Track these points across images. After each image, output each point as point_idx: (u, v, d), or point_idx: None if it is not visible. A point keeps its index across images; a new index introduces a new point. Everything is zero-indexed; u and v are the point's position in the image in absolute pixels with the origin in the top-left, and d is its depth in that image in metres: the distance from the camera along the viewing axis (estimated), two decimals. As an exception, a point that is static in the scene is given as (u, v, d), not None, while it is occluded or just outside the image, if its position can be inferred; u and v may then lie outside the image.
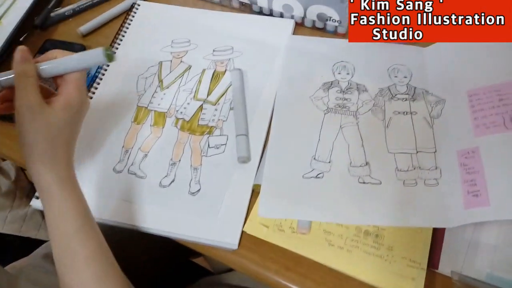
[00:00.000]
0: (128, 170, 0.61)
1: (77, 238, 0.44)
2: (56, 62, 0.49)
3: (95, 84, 0.70)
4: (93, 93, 0.69)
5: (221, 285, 0.76)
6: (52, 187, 0.44)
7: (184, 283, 0.80)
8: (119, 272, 0.47)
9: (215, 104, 0.66)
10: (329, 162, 0.58)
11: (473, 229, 0.51)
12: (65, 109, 0.47)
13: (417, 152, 0.57)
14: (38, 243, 0.82)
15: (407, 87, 0.63)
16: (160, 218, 0.57)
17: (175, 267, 0.88)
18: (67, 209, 0.45)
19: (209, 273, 0.90)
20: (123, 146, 0.63)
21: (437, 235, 0.52)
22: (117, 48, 0.74)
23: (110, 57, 0.48)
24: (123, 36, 0.75)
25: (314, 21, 0.72)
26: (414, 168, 0.56)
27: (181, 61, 0.72)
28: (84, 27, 0.77)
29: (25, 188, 0.98)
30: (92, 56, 0.49)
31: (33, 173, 0.45)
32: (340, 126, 0.61)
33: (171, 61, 0.72)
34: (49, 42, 0.75)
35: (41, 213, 0.87)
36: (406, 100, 0.62)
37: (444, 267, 0.51)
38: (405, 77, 0.64)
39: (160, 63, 0.72)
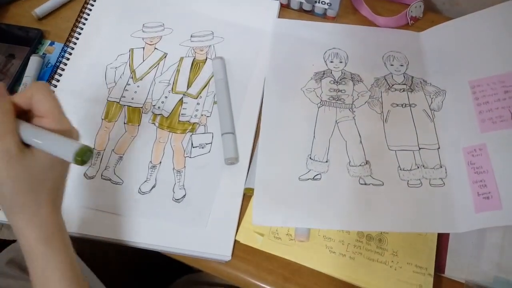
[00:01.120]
0: (102, 175, 0.54)
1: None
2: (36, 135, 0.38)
3: (56, 76, 0.61)
4: (55, 86, 0.60)
5: (202, 284, 0.72)
6: (34, 246, 0.38)
7: (166, 281, 0.75)
8: None
9: (196, 98, 0.60)
10: (326, 161, 0.53)
11: (478, 231, 0.49)
12: None
13: (419, 149, 0.54)
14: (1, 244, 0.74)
15: (404, 76, 0.59)
16: (141, 229, 0.51)
17: (156, 266, 0.83)
18: (52, 270, 0.38)
19: (191, 269, 0.86)
20: (94, 148, 0.56)
21: (442, 238, 0.50)
22: (79, 33, 0.65)
23: (81, 162, 0.37)
24: (86, 19, 0.66)
25: (301, 3, 0.66)
26: (418, 167, 0.52)
27: (155, 48, 0.64)
28: (40, 9, 0.67)
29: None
30: (66, 151, 0.37)
31: (14, 228, 0.38)
32: (336, 121, 0.56)
33: (143, 48, 0.64)
34: (1, 27, 0.65)
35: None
36: (403, 90, 0.58)
37: (451, 271, 0.48)
38: (402, 65, 0.60)
39: (131, 51, 0.64)
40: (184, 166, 0.55)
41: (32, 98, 0.38)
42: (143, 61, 0.63)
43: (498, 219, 0.45)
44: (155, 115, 0.59)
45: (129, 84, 0.61)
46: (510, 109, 0.50)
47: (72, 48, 0.64)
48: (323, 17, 0.66)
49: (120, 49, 0.64)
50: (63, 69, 0.62)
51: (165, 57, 0.63)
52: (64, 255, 0.39)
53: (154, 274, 0.79)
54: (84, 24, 0.66)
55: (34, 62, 0.62)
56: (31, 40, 0.65)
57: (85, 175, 0.54)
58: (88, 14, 0.67)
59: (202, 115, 0.58)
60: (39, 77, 0.62)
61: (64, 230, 0.40)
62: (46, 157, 0.37)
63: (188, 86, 0.61)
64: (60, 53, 0.64)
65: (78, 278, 0.40)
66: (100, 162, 0.55)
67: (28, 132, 0.37)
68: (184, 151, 0.56)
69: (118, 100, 0.60)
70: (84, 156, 0.36)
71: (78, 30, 0.65)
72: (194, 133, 0.57)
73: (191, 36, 0.65)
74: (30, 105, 0.38)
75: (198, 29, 0.65)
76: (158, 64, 0.63)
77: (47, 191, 0.38)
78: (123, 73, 0.62)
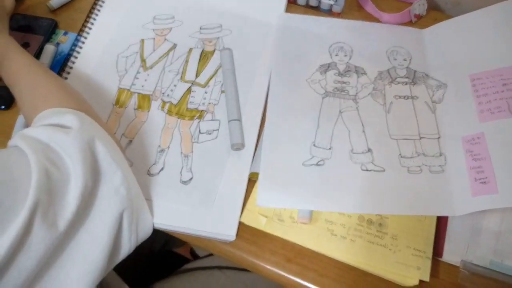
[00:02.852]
0: (112, 158, 0.56)
1: (49, 74, 0.52)
2: None
3: (69, 63, 0.63)
4: (68, 73, 0.62)
5: (202, 268, 0.73)
6: (10, 45, 0.53)
7: (166, 273, 0.77)
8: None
9: (204, 87, 0.62)
10: (330, 148, 0.55)
11: (476, 216, 0.50)
12: None
13: (420, 138, 0.56)
14: None
15: (407, 70, 0.61)
16: (149, 210, 0.52)
17: (156, 258, 0.84)
18: (30, 57, 0.53)
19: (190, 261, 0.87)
20: (105, 132, 0.58)
21: (441, 222, 0.51)
22: (92, 24, 0.67)
23: None
24: (99, 10, 0.69)
25: (307, -1, 0.69)
26: (418, 155, 0.54)
27: (165, 39, 0.66)
28: (55, 1, 0.69)
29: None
30: None
31: None
32: (340, 111, 0.58)
33: (154, 39, 0.66)
34: (16, 18, 0.68)
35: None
36: (406, 84, 0.60)
37: (448, 256, 0.50)
38: (405, 60, 0.62)
39: (142, 41, 0.66)
40: (192, 151, 0.57)
41: None
42: (154, 51, 0.65)
43: (494, 202, 0.47)
44: (164, 102, 0.61)
45: (140, 73, 0.63)
46: (508, 100, 0.52)
47: (85, 38, 0.66)
48: (329, 13, 0.69)
49: (131, 39, 0.66)
50: (76, 57, 0.64)
51: (175, 47, 0.66)
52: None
53: (151, 269, 0.81)
54: (97, 15, 0.68)
55: (48, 50, 0.64)
56: (45, 29, 0.67)
57: (95, 157, 0.56)
58: (101, 6, 0.69)
59: (209, 103, 0.60)
60: (53, 65, 0.64)
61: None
62: None
63: (197, 75, 0.63)
64: (73, 42, 0.66)
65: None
66: (111, 145, 0.57)
67: None
68: (192, 136, 0.58)
69: (129, 88, 0.62)
70: None
71: (91, 21, 0.67)
72: (201, 120, 0.59)
73: (200, 28, 0.67)
74: None
75: (207, 22, 0.68)
76: (168, 54, 0.65)
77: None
78: (133, 62, 0.64)
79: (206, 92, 0.61)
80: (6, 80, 0.52)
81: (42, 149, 0.40)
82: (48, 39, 0.67)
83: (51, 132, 0.42)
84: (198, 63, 0.64)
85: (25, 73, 0.51)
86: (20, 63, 0.51)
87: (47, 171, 0.38)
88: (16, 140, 0.40)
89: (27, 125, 0.57)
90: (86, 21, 0.68)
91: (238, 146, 0.56)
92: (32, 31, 0.67)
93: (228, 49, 0.64)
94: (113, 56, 0.65)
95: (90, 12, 0.68)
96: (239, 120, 0.58)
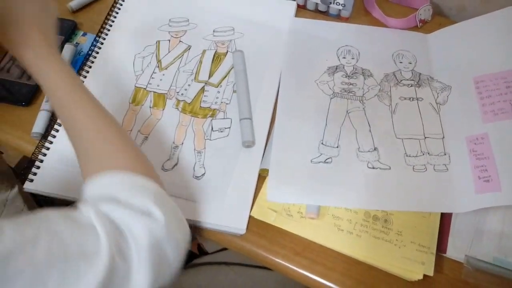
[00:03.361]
0: (128, 153, 0.58)
1: (108, 117, 0.47)
2: None
3: (88, 63, 0.66)
4: (87, 72, 0.65)
5: (210, 264, 0.75)
6: (63, 69, 0.48)
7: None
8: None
9: (217, 87, 0.64)
10: (337, 147, 0.57)
11: (479, 214, 0.52)
12: None
13: (425, 138, 0.58)
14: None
15: (412, 73, 0.63)
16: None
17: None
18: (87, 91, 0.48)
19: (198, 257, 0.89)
20: (121, 128, 0.60)
21: (445, 219, 0.53)
22: (110, 25, 0.70)
23: None
24: (117, 13, 0.71)
25: (316, 4, 0.71)
26: (423, 154, 0.56)
27: (180, 41, 0.69)
28: (75, 2, 0.73)
29: (5, 172, 0.93)
30: None
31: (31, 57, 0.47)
32: (347, 111, 0.60)
33: (169, 40, 0.69)
34: (37, 17, 0.71)
35: (22, 197, 0.83)
36: (411, 86, 0.62)
37: (452, 252, 0.51)
38: (410, 63, 0.64)
39: (158, 42, 0.69)
40: (204, 148, 0.59)
41: None
42: (169, 52, 0.68)
43: (497, 200, 0.49)
44: (179, 101, 0.63)
45: (155, 72, 0.66)
46: (511, 102, 0.54)
47: (104, 39, 0.69)
48: (337, 17, 0.71)
49: (147, 40, 0.69)
50: (95, 57, 0.67)
51: (189, 49, 0.68)
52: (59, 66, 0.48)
53: None
54: (115, 17, 0.71)
55: (68, 49, 0.67)
56: (65, 30, 0.70)
57: (112, 152, 0.58)
58: (119, 9, 0.72)
59: (222, 102, 0.63)
60: (72, 64, 0.67)
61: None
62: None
63: (210, 76, 0.65)
64: (92, 43, 0.69)
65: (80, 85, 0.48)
66: (127, 141, 0.59)
67: None
68: (205, 134, 0.60)
69: (144, 87, 0.64)
70: None
71: (109, 22, 0.70)
72: (214, 118, 0.61)
73: (214, 31, 0.70)
74: None
75: (220, 25, 0.70)
76: (182, 55, 0.68)
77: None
78: (150, 62, 0.67)
79: (218, 92, 0.64)
80: (57, 114, 0.47)
81: (113, 233, 0.37)
82: (68, 39, 0.70)
83: (135, 220, 0.39)
84: (211, 64, 0.67)
85: (84, 116, 0.45)
86: (79, 98, 0.46)
87: (113, 259, 0.36)
88: (91, 211, 0.37)
89: (49, 121, 0.60)
90: (104, 22, 0.70)
91: (249, 144, 0.58)
92: (53, 31, 0.70)
93: (240, 51, 0.66)
94: (130, 56, 0.67)
95: (109, 14, 0.71)
96: (250, 118, 0.60)
